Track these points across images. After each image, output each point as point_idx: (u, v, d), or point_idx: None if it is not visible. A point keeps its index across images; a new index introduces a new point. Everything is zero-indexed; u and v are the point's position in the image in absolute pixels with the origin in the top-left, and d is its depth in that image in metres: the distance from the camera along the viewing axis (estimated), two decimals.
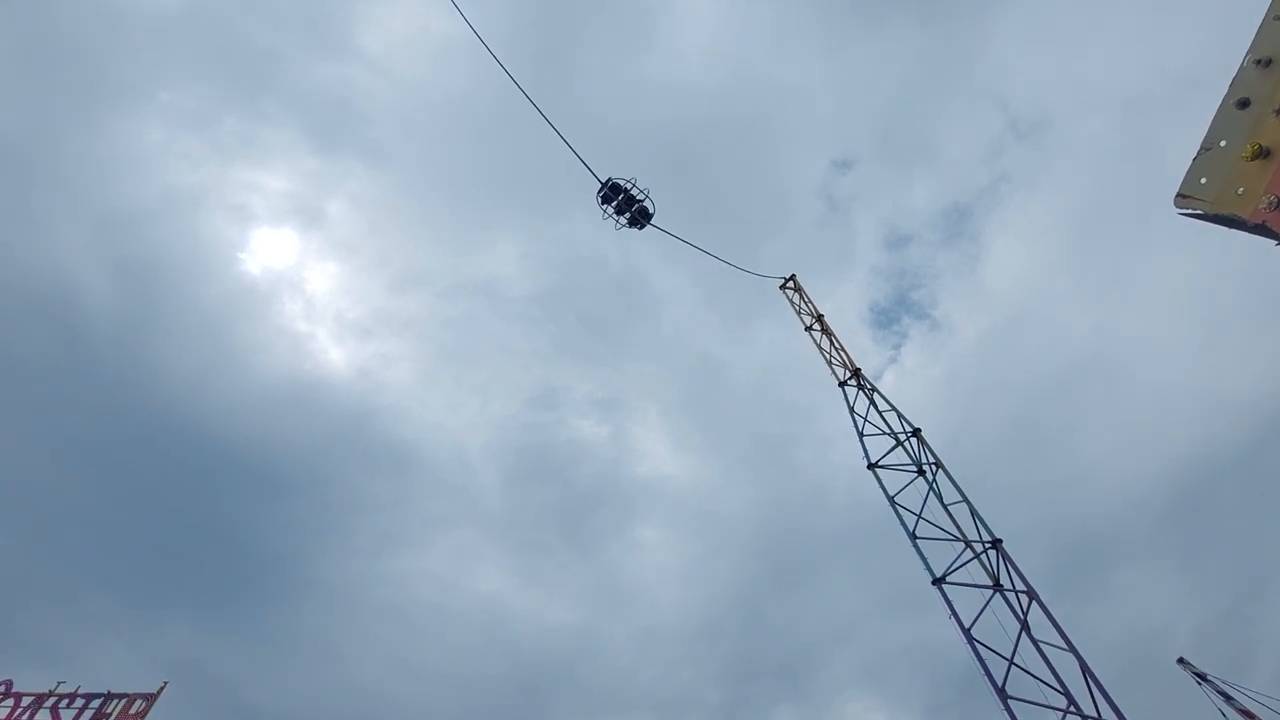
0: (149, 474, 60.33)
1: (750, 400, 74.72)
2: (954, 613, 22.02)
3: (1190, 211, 9.95)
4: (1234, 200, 9.30)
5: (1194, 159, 9.81)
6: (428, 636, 64.38)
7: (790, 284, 35.35)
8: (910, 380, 70.96)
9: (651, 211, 24.73)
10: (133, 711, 21.72)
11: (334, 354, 74.82)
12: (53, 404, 57.42)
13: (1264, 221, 9.03)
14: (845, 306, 71.90)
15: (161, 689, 22.35)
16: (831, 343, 32.36)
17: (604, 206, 24.18)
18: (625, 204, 24.37)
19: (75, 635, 54.32)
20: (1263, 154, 9.08)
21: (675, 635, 64.81)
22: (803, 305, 34.41)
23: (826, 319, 33.25)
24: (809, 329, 33.34)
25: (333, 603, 63.63)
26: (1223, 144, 9.46)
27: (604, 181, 23.66)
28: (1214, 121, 9.64)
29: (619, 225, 24.82)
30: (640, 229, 25.10)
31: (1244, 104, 9.37)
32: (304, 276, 77.84)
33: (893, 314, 79.97)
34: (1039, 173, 71.57)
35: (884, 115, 75.82)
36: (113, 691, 22.13)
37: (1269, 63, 9.15)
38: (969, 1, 72.00)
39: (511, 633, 65.18)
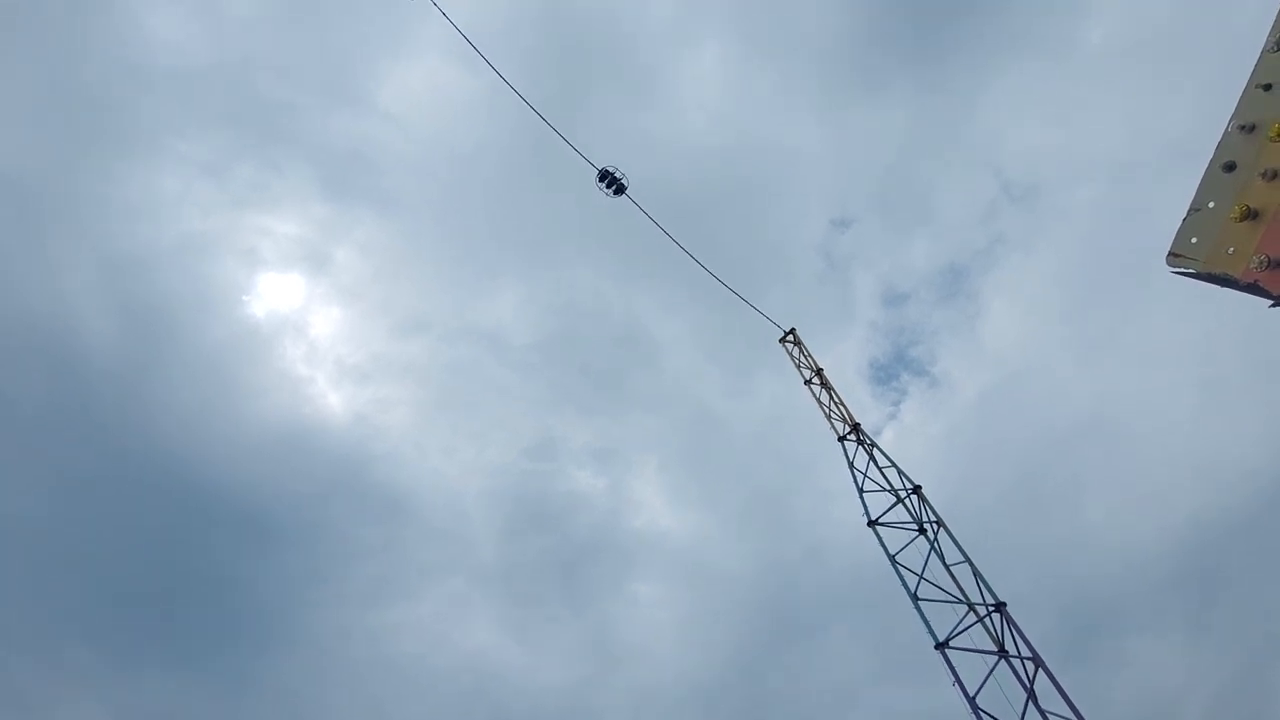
0: (140, 517, 59.44)
1: (749, 453, 74.08)
2: (958, 679, 21.23)
3: (1183, 270, 10.03)
4: (1225, 259, 9.40)
5: (1184, 219, 9.95)
6: (416, 693, 62.08)
7: (790, 337, 35.47)
8: (910, 437, 70.46)
9: (626, 185, 32.87)
10: None
11: (332, 399, 74.66)
12: (47, 442, 57.10)
13: (1256, 280, 9.09)
14: (844, 362, 72.03)
15: None
16: (831, 397, 32.22)
17: (599, 184, 32.77)
18: (611, 183, 32.70)
19: (53, 686, 52.47)
20: (1251, 215, 9.22)
21: (670, 697, 62.41)
22: (802, 359, 34.44)
23: (826, 373, 33.20)
24: (808, 383, 33.27)
25: (319, 654, 61.64)
26: (1211, 205, 9.62)
27: (599, 169, 32.61)
28: (1202, 184, 9.84)
29: (608, 195, 33.10)
30: (619, 195, 33.16)
31: (1230, 167, 9.57)
32: (308, 320, 78.51)
33: (892, 370, 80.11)
34: (1034, 235, 72.94)
35: (882, 177, 77.82)
36: None
37: (1253, 128, 9.39)
38: (963, 72, 74.80)
39: (499, 691, 62.85)
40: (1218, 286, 9.61)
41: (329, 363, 76.63)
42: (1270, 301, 9.08)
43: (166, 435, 61.49)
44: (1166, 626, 54.28)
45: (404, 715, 60.57)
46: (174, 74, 66.52)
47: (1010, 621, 21.99)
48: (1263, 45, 9.24)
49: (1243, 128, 9.45)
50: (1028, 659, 20.93)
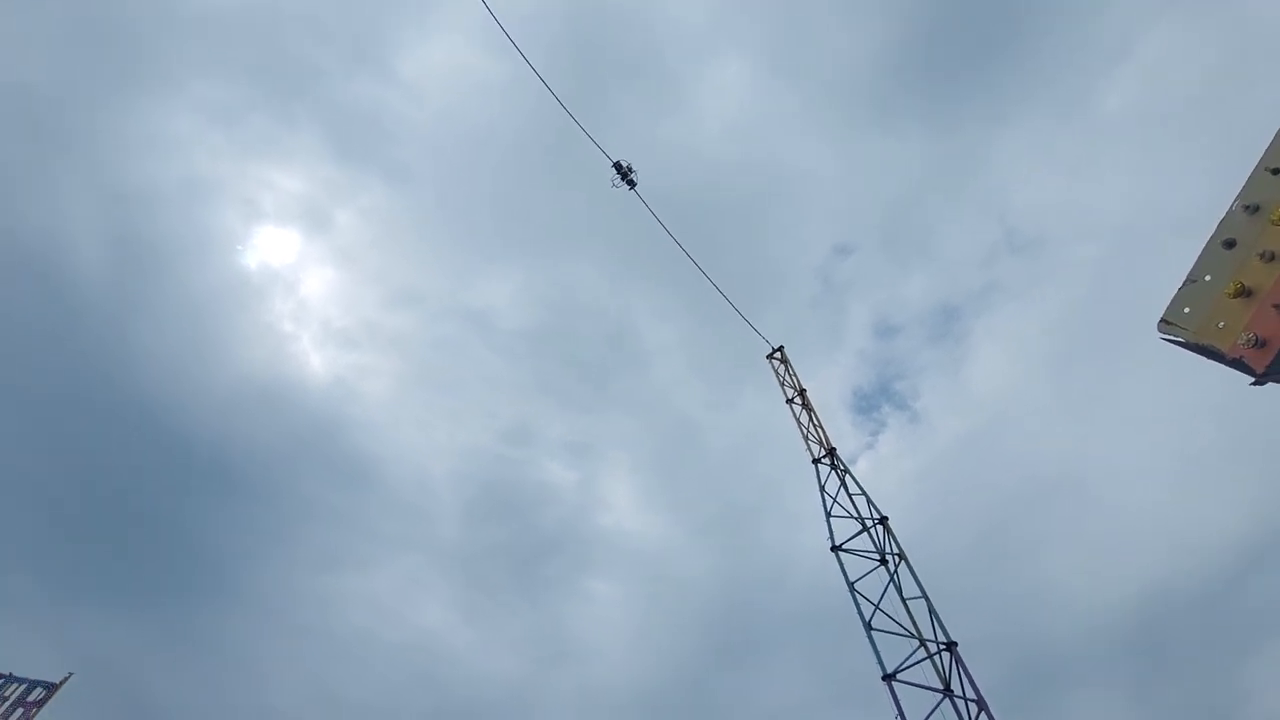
0: (102, 451, 58.35)
1: (723, 467, 74.29)
2: (900, 712, 21.44)
3: (1172, 338, 10.22)
4: (1215, 332, 9.59)
5: (1179, 289, 10.15)
6: (358, 665, 61.44)
7: (777, 355, 35.64)
8: (884, 469, 71.03)
9: (635, 182, 33.70)
10: (31, 699, 21.04)
11: (314, 359, 73.90)
12: (21, 359, 55.91)
13: (1241, 356, 9.29)
14: (828, 387, 72.52)
15: (65, 680, 21.55)
16: (811, 419, 32.39)
17: (614, 174, 33.66)
18: (623, 177, 33.51)
19: None
20: (1245, 293, 9.42)
21: (613, 699, 62.36)
22: (787, 378, 34.61)
23: (809, 394, 33.37)
24: (790, 401, 33.43)
25: (265, 615, 60.85)
26: (1208, 278, 9.82)
27: (614, 161, 33.56)
28: (1200, 257, 10.04)
29: (616, 186, 33.89)
30: (631, 188, 33.83)
31: (1230, 244, 9.77)
32: (300, 278, 77.66)
33: (874, 400, 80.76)
34: (1030, 286, 73.86)
35: (888, 209, 78.45)
36: (14, 675, 21.52)
37: (1256, 209, 9.59)
38: (980, 117, 75.60)
39: (445, 674, 62.40)
40: (1204, 358, 9.83)
41: (316, 323, 75.92)
42: (1251, 379, 9.30)
43: (143, 371, 60.60)
44: (1110, 688, 55.21)
45: (345, 687, 60.06)
46: (203, 17, 65.59)
47: (959, 661, 22.22)
48: (1277, 130, 9.46)
49: (1247, 207, 9.66)
50: (972, 700, 21.17)
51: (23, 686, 21.81)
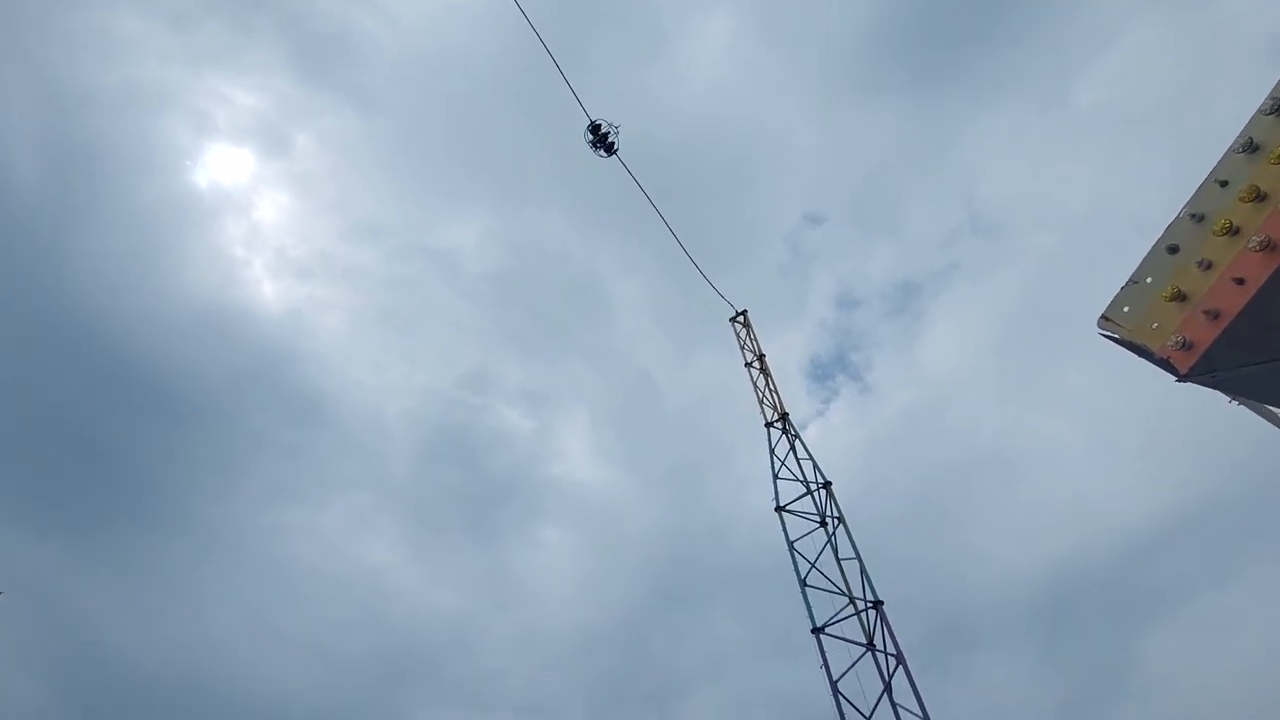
0: (32, 364, 55.76)
1: (678, 425, 75.37)
2: (825, 663, 22.79)
3: (1109, 334, 10.80)
4: (1148, 333, 10.18)
5: (1121, 288, 10.68)
6: (300, 600, 61.57)
7: (740, 318, 36.05)
8: (832, 436, 73.22)
9: (616, 147, 31.20)
10: None
11: (267, 288, 71.33)
12: None
13: (1168, 357, 9.91)
14: (787, 353, 73.68)
15: None
16: (768, 383, 33.08)
17: (588, 136, 31.05)
18: (601, 139, 30.70)
19: None
20: (1180, 298, 9.98)
21: (554, 642, 64.27)
22: (748, 341, 35.13)
23: (768, 359, 33.99)
24: (749, 365, 34.02)
25: (208, 546, 60.07)
26: (1149, 280, 10.35)
27: (592, 121, 30.79)
28: (1145, 259, 10.55)
29: (594, 151, 31.42)
30: (607, 156, 31.47)
31: (1173, 249, 10.28)
32: (253, 201, 74.13)
33: (829, 370, 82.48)
34: (987, 269, 75.70)
35: (861, 182, 78.56)
36: None
37: (1201, 218, 10.08)
38: (959, 98, 75.71)
39: (388, 611, 63.04)
40: (1135, 355, 10.45)
41: (269, 250, 72.97)
42: (1176, 378, 9.98)
43: (80, 285, 57.61)
44: (1019, 650, 59.48)
45: (287, 621, 60.32)
46: None
47: (884, 619, 23.63)
48: (1229, 145, 9.89)
49: (1193, 216, 10.14)
50: (892, 655, 22.62)
51: None
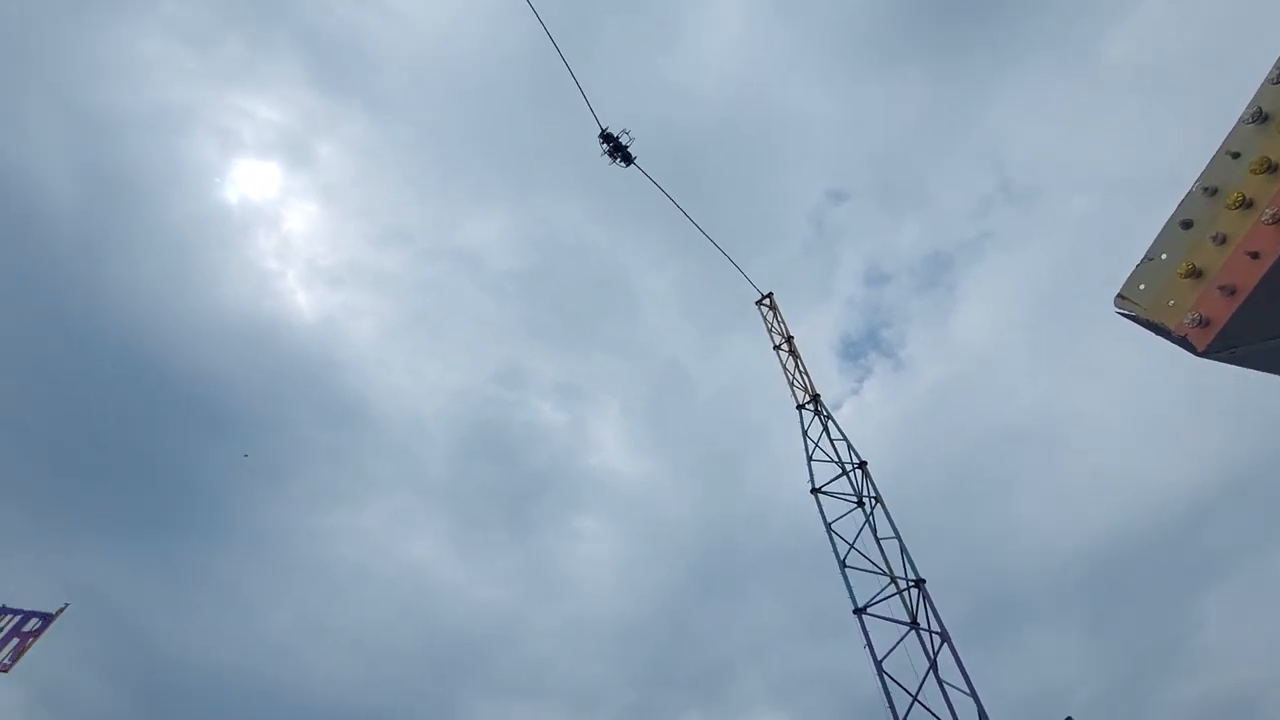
0: (83, 386, 58.68)
1: (709, 412, 75.51)
2: (869, 643, 22.97)
3: (1126, 312, 10.66)
4: (1165, 310, 10.02)
5: (1137, 265, 10.52)
6: (347, 599, 64.01)
7: (766, 301, 35.99)
8: (867, 414, 72.41)
9: (633, 156, 30.75)
10: (26, 629, 21.19)
11: (300, 298, 73.60)
12: None
13: (1185, 335, 9.77)
14: (816, 333, 72.96)
15: (60, 611, 21.81)
16: (797, 365, 33.06)
17: (603, 145, 30.55)
18: (617, 148, 30.46)
19: None
20: (1195, 274, 9.80)
21: (598, 630, 65.59)
22: (775, 324, 35.08)
23: (796, 342, 33.92)
24: (777, 348, 34.01)
25: (256, 549, 62.96)
26: (1164, 257, 10.17)
27: (604, 129, 30.46)
28: (1159, 235, 10.35)
29: (611, 162, 30.97)
30: (625, 166, 30.99)
31: (1187, 224, 10.07)
32: (282, 214, 76.42)
33: (861, 348, 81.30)
34: (1022, 237, 73.29)
35: (884, 156, 76.78)
36: (6, 606, 21.66)
37: (1214, 192, 9.85)
38: (982, 64, 73.04)
39: (434, 607, 65.14)
40: (1154, 334, 10.30)
41: (301, 261, 75.23)
42: (1195, 354, 9.85)
43: (122, 308, 60.36)
44: (1065, 625, 58.45)
45: (336, 620, 62.81)
46: None
47: (926, 597, 23.66)
48: (1239, 117, 9.61)
49: (1206, 189, 9.90)
50: (936, 633, 22.68)
51: (18, 617, 21.35)
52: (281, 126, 74.01)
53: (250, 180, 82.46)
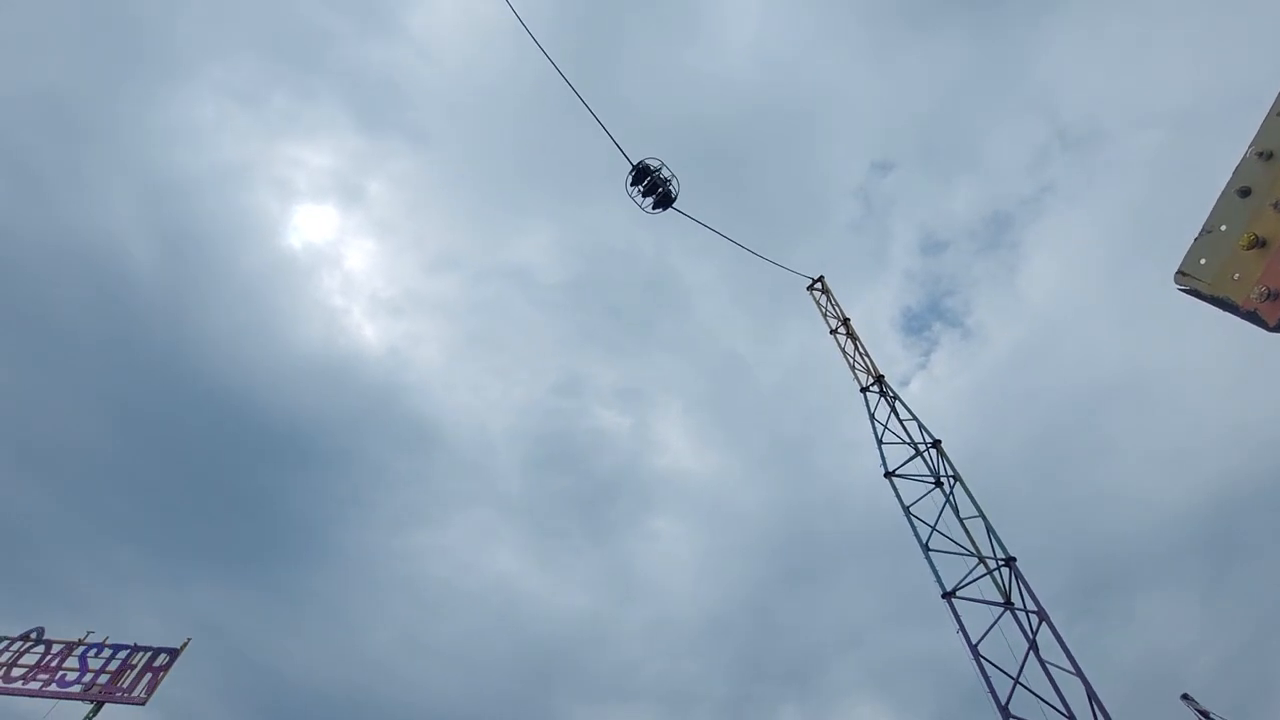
0: (181, 436, 63.82)
1: (774, 400, 74.77)
2: (962, 627, 22.50)
3: (1188, 289, 10.12)
4: (1230, 285, 9.44)
5: (1195, 239, 9.94)
6: (440, 614, 67.06)
7: (818, 285, 35.40)
8: (938, 388, 70.03)
9: (675, 195, 25.16)
10: (156, 664, 23.00)
11: (367, 330, 77.32)
12: (93, 365, 61.11)
13: (1255, 310, 9.19)
14: (876, 310, 70.98)
15: (185, 645, 23.79)
16: (856, 347, 32.47)
17: (631, 188, 24.69)
18: (651, 187, 24.88)
19: (105, 588, 58.49)
20: (1259, 244, 9.18)
21: (685, 628, 66.26)
22: (829, 307, 34.49)
23: (853, 323, 33.28)
24: (834, 332, 33.46)
25: (350, 573, 66.81)
26: (1223, 228, 9.56)
27: (635, 164, 24.12)
28: (1216, 206, 9.73)
29: (645, 208, 25.17)
30: (663, 211, 25.56)
31: (1245, 192, 9.42)
32: (342, 253, 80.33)
33: (924, 320, 78.42)
34: (1084, 186, 68.80)
35: (928, 120, 73.79)
36: (139, 644, 23.44)
37: (1270, 155, 9.18)
38: (1021, 13, 68.73)
39: (522, 616, 67.44)
40: (1221, 310, 9.68)
41: (364, 296, 78.87)
42: (1267, 329, 9.20)
43: (207, 360, 65.23)
44: (1179, 588, 54.95)
45: (432, 635, 65.90)
46: None
47: (1019, 576, 22.95)
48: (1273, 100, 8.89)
49: (1261, 154, 9.22)
50: (1033, 612, 22.00)
51: (148, 654, 23.37)
52: (333, 170, 77.71)
53: (310, 224, 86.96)
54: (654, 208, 25.38)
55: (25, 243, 58.78)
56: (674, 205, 25.42)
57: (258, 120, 73.13)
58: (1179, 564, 54.66)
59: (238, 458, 65.81)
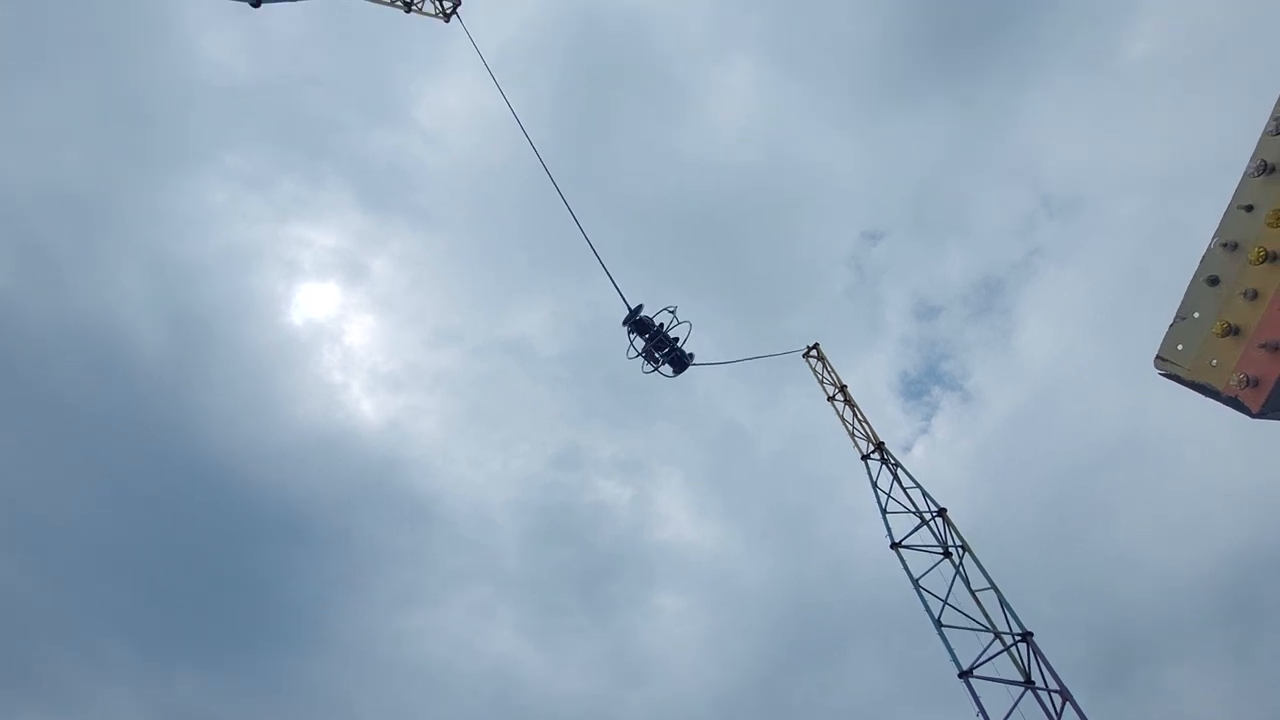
0: (175, 517, 63.00)
1: (775, 469, 74.01)
2: (981, 710, 21.57)
3: (1168, 374, 10.18)
4: (1209, 371, 9.52)
5: (1170, 325, 10.08)
6: (439, 697, 64.45)
7: (813, 353, 35.51)
8: (941, 453, 69.51)
9: (689, 356, 20.62)
10: None
11: (365, 405, 77.30)
12: (90, 443, 60.88)
13: (1236, 396, 9.23)
14: (874, 375, 71.18)
15: None
16: (855, 414, 32.31)
17: (631, 336, 20.44)
18: (658, 344, 20.32)
19: (89, 681, 56.33)
20: (1232, 331, 9.31)
21: (693, 710, 63.54)
22: (825, 375, 34.51)
23: (850, 390, 33.22)
24: (831, 399, 33.35)
25: (346, 656, 64.61)
26: (1196, 315, 9.71)
27: (632, 310, 19.76)
28: (1187, 294, 9.92)
29: (647, 369, 20.50)
30: (674, 375, 20.73)
31: (1214, 281, 9.63)
32: (343, 329, 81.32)
33: (923, 385, 78.45)
34: (1073, 248, 70.14)
35: (915, 190, 76.11)
36: None
37: (1235, 246, 9.43)
38: (1000, 84, 71.96)
39: (523, 699, 64.73)
40: (1202, 395, 9.72)
41: (363, 371, 79.33)
42: (1250, 416, 9.22)
43: (207, 439, 65.08)
44: (1208, 656, 52.73)
45: (427, 717, 63.16)
46: (225, 91, 69.33)
47: (1037, 652, 22.15)
48: (1244, 170, 9.23)
49: (1225, 245, 9.47)
50: (1055, 691, 21.14)
51: None
52: (337, 249, 79.56)
53: (312, 302, 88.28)
54: (670, 371, 20.81)
55: (36, 322, 59.89)
56: (691, 363, 20.97)
57: (267, 204, 75.60)
58: (1206, 631, 52.61)
59: (231, 539, 64.93)
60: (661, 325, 19.80)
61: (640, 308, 19.70)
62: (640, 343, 19.78)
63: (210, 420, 65.86)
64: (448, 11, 32.48)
